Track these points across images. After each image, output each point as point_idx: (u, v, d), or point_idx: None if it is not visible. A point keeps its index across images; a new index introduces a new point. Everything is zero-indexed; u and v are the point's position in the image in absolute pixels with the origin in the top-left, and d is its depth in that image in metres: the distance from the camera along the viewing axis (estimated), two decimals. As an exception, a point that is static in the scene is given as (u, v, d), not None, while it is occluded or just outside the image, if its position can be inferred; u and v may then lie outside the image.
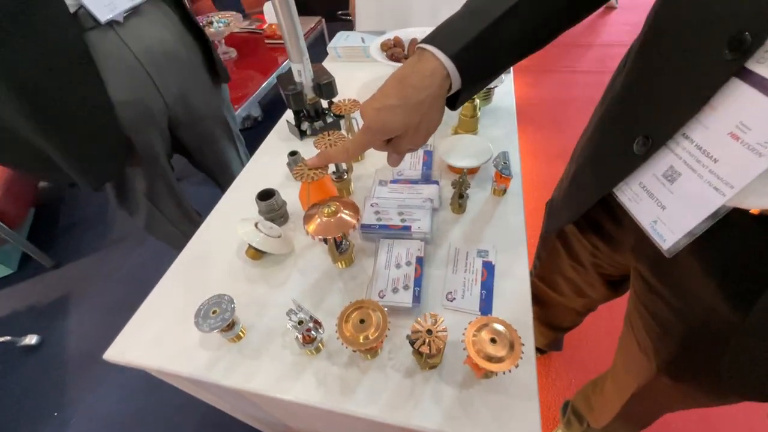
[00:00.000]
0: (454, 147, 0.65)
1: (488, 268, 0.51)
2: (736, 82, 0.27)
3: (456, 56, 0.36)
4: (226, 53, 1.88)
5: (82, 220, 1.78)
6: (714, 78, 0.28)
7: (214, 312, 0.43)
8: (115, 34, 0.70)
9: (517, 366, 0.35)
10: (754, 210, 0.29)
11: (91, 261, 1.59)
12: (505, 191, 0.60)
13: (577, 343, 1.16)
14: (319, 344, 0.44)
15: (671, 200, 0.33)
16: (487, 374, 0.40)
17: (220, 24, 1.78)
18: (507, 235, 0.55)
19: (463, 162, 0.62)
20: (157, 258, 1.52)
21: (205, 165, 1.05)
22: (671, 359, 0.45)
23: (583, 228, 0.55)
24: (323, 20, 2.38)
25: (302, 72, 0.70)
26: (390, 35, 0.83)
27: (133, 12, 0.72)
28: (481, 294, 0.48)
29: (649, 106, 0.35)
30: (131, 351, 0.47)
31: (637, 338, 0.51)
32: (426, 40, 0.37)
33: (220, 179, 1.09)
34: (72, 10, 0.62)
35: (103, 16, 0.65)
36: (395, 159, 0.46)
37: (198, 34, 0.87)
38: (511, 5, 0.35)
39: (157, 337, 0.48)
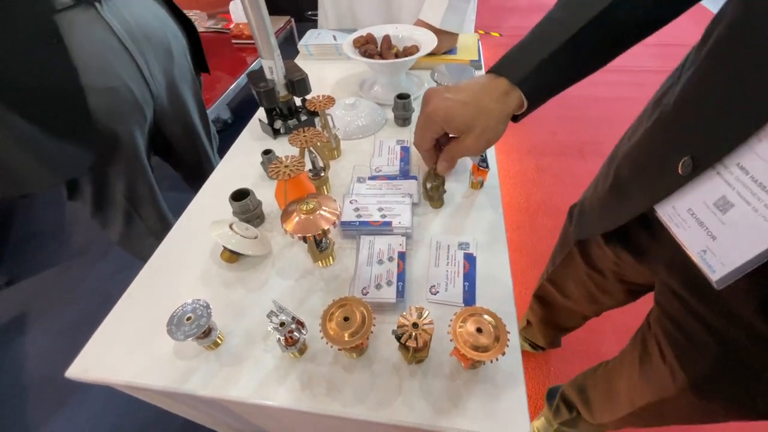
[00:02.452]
0: (430, 142, 0.65)
1: (470, 260, 0.51)
2: None
3: (520, 83, 0.39)
4: (191, 53, 1.81)
5: (37, 233, 1.65)
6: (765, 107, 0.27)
7: (188, 319, 0.41)
8: (97, 12, 0.64)
9: (504, 354, 0.35)
10: None
11: (48, 276, 1.48)
12: (482, 184, 0.61)
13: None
14: (303, 346, 0.43)
15: (722, 231, 0.31)
16: (474, 365, 0.40)
17: (183, 23, 1.71)
18: (486, 227, 0.55)
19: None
20: (122, 270, 1.44)
21: (185, 163, 0.99)
22: (702, 378, 0.44)
23: (609, 237, 0.53)
24: (292, 20, 2.34)
25: (274, 69, 0.68)
26: (362, 32, 0.82)
27: None
28: (464, 286, 0.48)
29: (699, 127, 0.33)
30: (96, 367, 0.43)
31: (662, 351, 0.49)
32: (497, 68, 0.42)
33: (199, 179, 1.05)
34: None
35: None
36: (445, 166, 0.47)
37: (183, 20, 0.83)
38: (572, 34, 0.37)
39: (125, 351, 0.45)
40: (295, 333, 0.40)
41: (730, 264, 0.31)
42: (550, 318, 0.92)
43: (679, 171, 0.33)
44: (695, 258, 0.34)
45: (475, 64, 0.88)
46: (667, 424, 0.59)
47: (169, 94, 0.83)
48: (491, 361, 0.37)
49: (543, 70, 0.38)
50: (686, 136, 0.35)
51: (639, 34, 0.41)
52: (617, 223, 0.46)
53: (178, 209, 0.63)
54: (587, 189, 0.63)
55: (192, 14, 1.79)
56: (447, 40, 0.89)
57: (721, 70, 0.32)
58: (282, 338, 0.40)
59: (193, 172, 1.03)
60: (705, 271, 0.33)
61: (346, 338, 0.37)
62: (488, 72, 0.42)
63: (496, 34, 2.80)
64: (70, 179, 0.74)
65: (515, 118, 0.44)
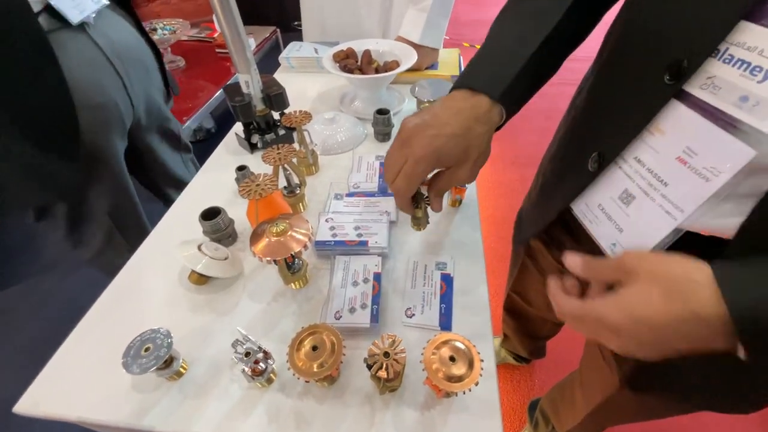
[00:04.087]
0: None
1: (447, 281, 0.50)
2: (681, 108, 0.28)
3: (500, 98, 0.38)
4: (173, 62, 1.79)
5: (2, 248, 1.57)
6: (654, 100, 0.29)
7: (146, 349, 0.38)
8: (87, 35, 0.68)
9: (477, 384, 0.34)
10: (704, 232, 0.29)
11: (12, 293, 1.40)
12: (460, 202, 0.60)
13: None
14: (271, 375, 0.41)
15: (628, 223, 0.33)
16: (448, 394, 0.39)
17: (165, 31, 1.69)
18: (464, 246, 0.55)
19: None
20: (95, 286, 1.37)
21: (157, 177, 0.99)
22: (632, 372, 0.45)
23: (548, 244, 0.56)
24: (278, 30, 2.34)
25: (250, 83, 0.67)
26: (343, 46, 0.82)
27: (98, 15, 0.71)
28: (441, 308, 0.47)
29: (602, 125, 0.36)
30: (47, 401, 0.40)
31: (600, 349, 0.51)
32: (472, 84, 0.38)
33: (172, 194, 1.02)
34: (36, 9, 0.59)
35: (75, 18, 0.64)
36: (440, 202, 0.43)
37: (149, 40, 0.86)
38: (538, 46, 0.38)
39: (80, 383, 0.42)
40: (261, 363, 0.38)
41: None
42: (523, 328, 0.93)
43: (589, 167, 0.36)
44: (606, 251, 0.36)
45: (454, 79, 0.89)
46: (619, 423, 0.63)
47: (146, 107, 0.84)
48: (464, 392, 0.36)
49: (518, 82, 0.38)
50: (594, 134, 0.37)
51: (588, 30, 0.43)
52: (544, 223, 0.48)
53: (156, 220, 0.61)
54: (525, 198, 0.65)
55: (175, 23, 1.76)
56: (428, 56, 0.89)
57: (618, 72, 0.35)
58: (248, 369, 0.38)
59: (163, 187, 1.01)
60: None
61: (315, 369, 0.36)
62: (459, 89, 0.40)
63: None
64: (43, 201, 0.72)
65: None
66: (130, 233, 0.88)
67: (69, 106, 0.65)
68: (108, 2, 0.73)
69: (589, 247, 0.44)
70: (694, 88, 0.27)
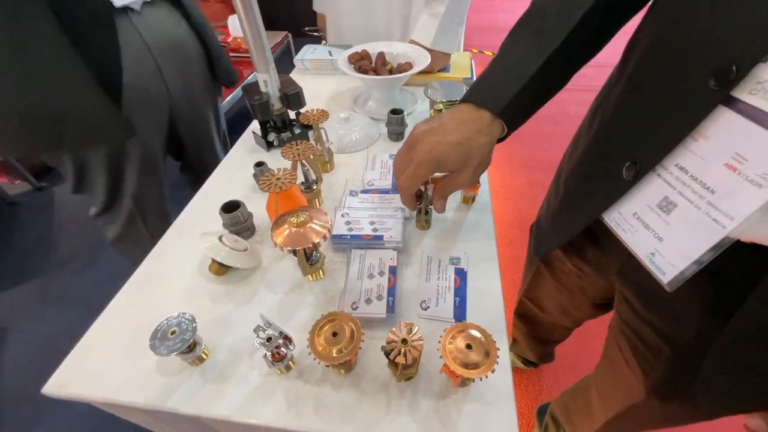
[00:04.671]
0: (423, 157, 0.66)
1: (461, 275, 0.51)
2: (728, 113, 0.27)
3: (501, 113, 0.41)
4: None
5: (21, 243, 1.62)
6: (698, 107, 0.28)
7: (172, 333, 0.40)
8: (130, 21, 0.72)
9: (493, 371, 0.35)
10: (757, 241, 0.28)
11: (29, 288, 1.43)
12: (474, 199, 0.61)
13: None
14: (290, 362, 0.42)
15: (668, 231, 0.32)
16: (464, 382, 0.39)
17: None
18: (477, 242, 0.56)
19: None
20: (107, 283, 1.39)
21: (194, 166, 1.02)
22: (660, 382, 0.45)
23: (568, 252, 0.56)
24: (290, 35, 2.38)
25: (268, 82, 0.69)
26: (358, 48, 0.84)
27: (147, 5, 0.75)
28: (455, 301, 0.48)
29: (637, 132, 0.35)
30: (74, 383, 0.42)
31: (625, 358, 0.50)
32: (476, 99, 0.42)
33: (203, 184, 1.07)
34: None
35: (117, 1, 0.68)
36: (442, 204, 0.47)
37: (199, 33, 0.88)
38: (540, 65, 0.40)
39: (106, 366, 0.43)
40: (282, 348, 0.39)
41: (679, 264, 0.31)
42: (534, 333, 0.93)
43: (624, 176, 0.35)
44: (644, 261, 0.34)
45: (468, 82, 0.90)
46: (641, 431, 0.60)
47: (186, 97, 0.87)
48: (481, 379, 0.36)
49: (519, 98, 0.41)
50: (627, 143, 0.37)
51: (596, 50, 0.44)
52: (570, 235, 0.47)
53: (179, 210, 0.63)
54: (541, 207, 0.65)
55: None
56: (440, 59, 0.91)
57: (652, 80, 0.34)
58: (268, 354, 0.39)
59: (199, 176, 1.04)
60: (655, 274, 0.34)
61: (334, 354, 0.37)
62: (466, 102, 0.43)
63: (489, 53, 2.88)
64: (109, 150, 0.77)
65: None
66: (152, 220, 0.90)
67: (118, 61, 0.70)
68: None
69: (616, 255, 0.45)
70: (743, 93, 0.26)
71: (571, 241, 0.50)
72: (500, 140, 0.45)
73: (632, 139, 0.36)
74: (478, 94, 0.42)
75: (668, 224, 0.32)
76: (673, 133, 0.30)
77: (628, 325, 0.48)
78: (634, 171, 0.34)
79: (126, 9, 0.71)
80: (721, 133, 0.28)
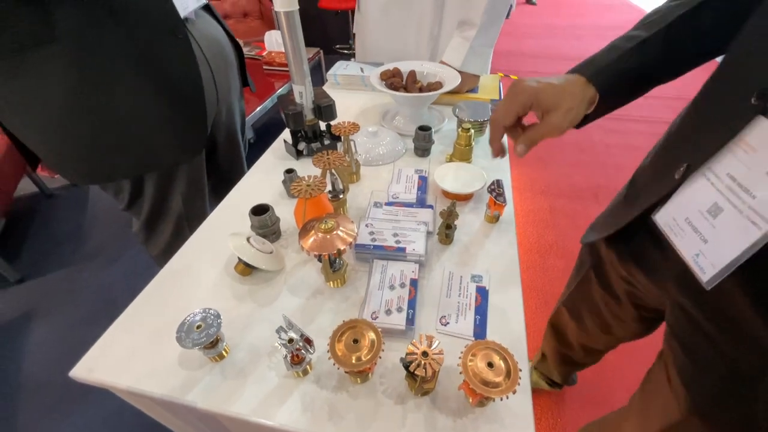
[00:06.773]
0: (448, 173, 0.67)
1: (482, 294, 0.51)
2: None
3: (591, 77, 0.45)
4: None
5: (54, 234, 1.69)
6: (738, 118, 0.32)
7: (198, 327, 0.41)
8: (188, 31, 0.74)
9: (514, 392, 0.34)
10: None
11: (58, 277, 1.50)
12: (498, 218, 0.61)
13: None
14: (307, 366, 0.42)
15: (713, 234, 0.35)
16: (482, 402, 0.39)
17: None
18: (500, 262, 0.55)
19: (458, 188, 0.63)
20: (128, 278, 1.45)
21: (221, 169, 1.05)
22: (705, 399, 0.44)
23: (624, 258, 0.55)
24: (321, 52, 2.48)
25: (304, 93, 0.72)
26: (389, 66, 0.87)
27: (195, 14, 0.79)
28: (476, 319, 0.48)
29: (691, 140, 0.41)
30: (100, 369, 0.43)
31: (668, 375, 0.49)
32: (575, 69, 0.47)
33: (227, 188, 1.08)
34: None
35: (182, 12, 0.71)
36: (523, 149, 0.49)
37: (233, 39, 0.92)
38: (638, 42, 0.44)
39: (131, 355, 0.45)
40: (302, 351, 0.39)
41: (718, 263, 0.34)
42: (563, 351, 0.90)
43: (675, 176, 0.39)
44: (689, 262, 0.38)
45: (495, 104, 0.91)
46: None
47: (226, 101, 0.91)
48: (501, 399, 0.36)
49: (611, 69, 0.45)
50: (684, 150, 0.41)
51: (696, 59, 0.46)
52: (617, 226, 0.50)
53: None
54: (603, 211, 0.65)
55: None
56: (469, 80, 0.93)
57: (707, 96, 0.40)
58: (289, 355, 0.39)
59: (224, 180, 1.06)
60: (696, 273, 0.37)
61: (353, 361, 0.37)
62: (567, 73, 0.48)
63: (515, 77, 2.90)
64: (159, 171, 0.78)
65: (583, 120, 0.49)
66: (196, 227, 0.92)
67: (198, 78, 0.73)
68: (206, 1, 0.81)
69: (676, 259, 0.44)
70: None
71: (629, 245, 0.52)
72: (586, 120, 0.48)
73: (689, 148, 0.40)
74: (578, 66, 0.47)
75: (714, 227, 0.35)
76: (717, 139, 0.35)
77: (679, 338, 0.47)
78: (684, 172, 0.38)
79: (186, 19, 0.74)
80: (765, 143, 0.31)
